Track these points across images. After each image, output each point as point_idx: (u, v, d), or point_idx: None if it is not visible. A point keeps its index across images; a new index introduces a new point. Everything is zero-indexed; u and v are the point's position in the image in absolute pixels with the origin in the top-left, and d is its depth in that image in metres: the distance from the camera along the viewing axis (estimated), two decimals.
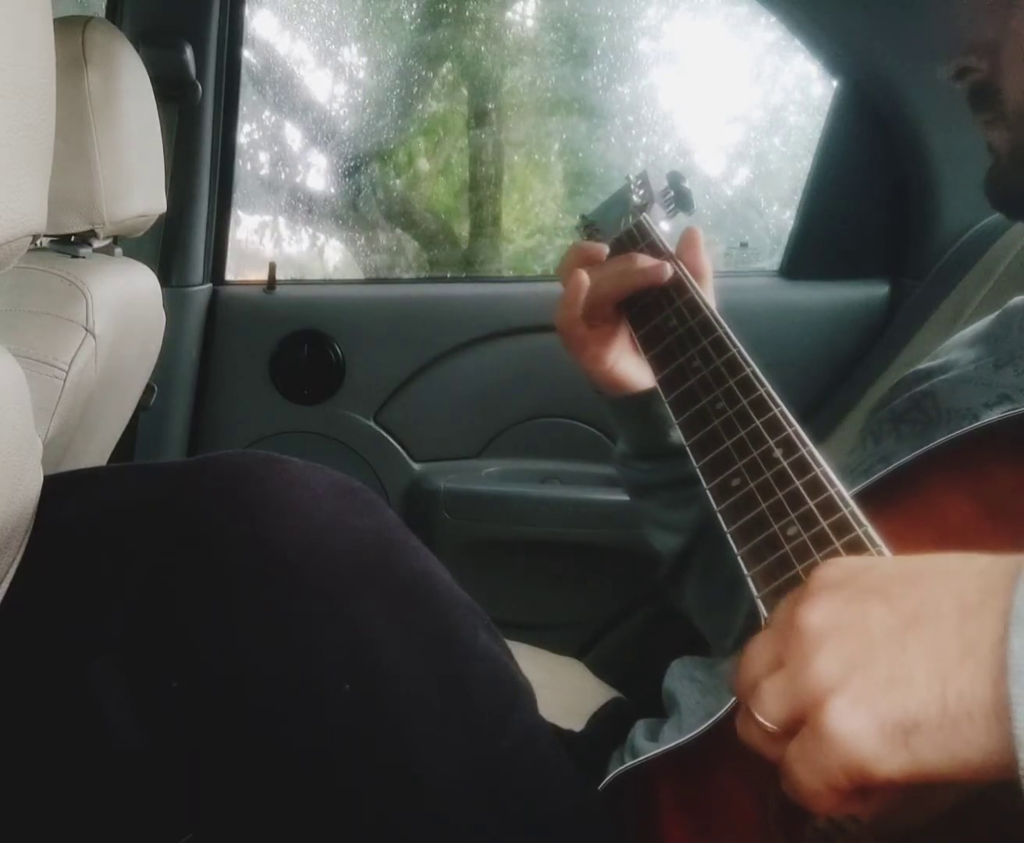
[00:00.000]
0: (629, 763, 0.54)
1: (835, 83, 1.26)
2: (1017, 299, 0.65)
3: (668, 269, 0.66)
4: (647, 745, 0.58)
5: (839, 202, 1.29)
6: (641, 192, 0.77)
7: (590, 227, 0.80)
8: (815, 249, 1.32)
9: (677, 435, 0.60)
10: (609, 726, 0.71)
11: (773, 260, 1.45)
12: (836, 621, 0.34)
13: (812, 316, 1.31)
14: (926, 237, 1.24)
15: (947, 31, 0.58)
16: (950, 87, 0.59)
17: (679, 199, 0.78)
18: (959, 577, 0.34)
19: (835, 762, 0.32)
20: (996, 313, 0.66)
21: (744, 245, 1.65)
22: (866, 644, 0.33)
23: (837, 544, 0.45)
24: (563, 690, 0.87)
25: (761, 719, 0.35)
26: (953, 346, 0.67)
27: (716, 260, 1.69)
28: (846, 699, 0.32)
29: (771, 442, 0.52)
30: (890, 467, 0.51)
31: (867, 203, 1.29)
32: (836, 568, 0.37)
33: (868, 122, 1.24)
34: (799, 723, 0.34)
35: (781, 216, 1.61)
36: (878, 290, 1.29)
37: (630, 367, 0.72)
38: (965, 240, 1.19)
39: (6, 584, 0.47)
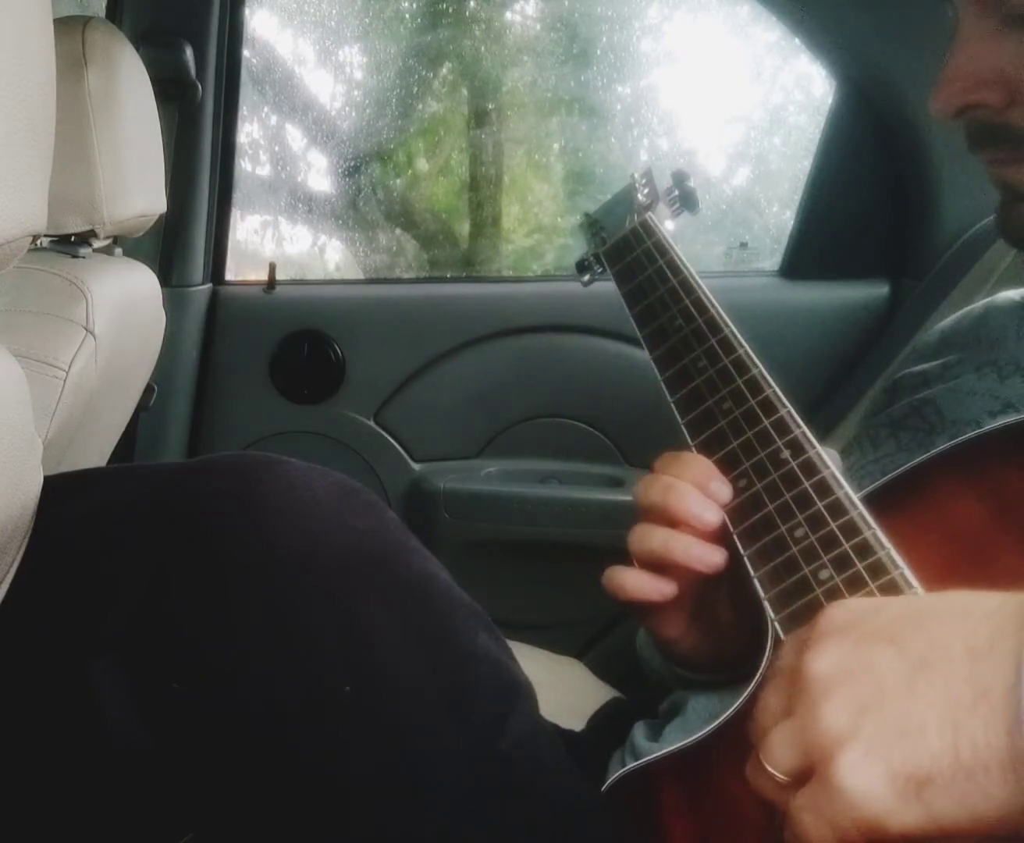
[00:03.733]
0: (633, 764, 0.54)
1: (835, 84, 1.26)
2: (1002, 297, 0.65)
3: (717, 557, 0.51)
4: (648, 745, 0.58)
5: (839, 202, 1.29)
6: (646, 191, 0.77)
7: (594, 225, 0.80)
8: (815, 249, 1.32)
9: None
10: (609, 726, 0.71)
11: (773, 260, 1.45)
12: (844, 667, 0.34)
13: (812, 316, 1.31)
14: (926, 237, 1.24)
15: (942, 60, 0.53)
16: (949, 124, 0.53)
17: (684, 198, 0.78)
18: (968, 618, 0.33)
19: (847, 815, 0.31)
20: (980, 307, 0.66)
21: (744, 245, 1.65)
22: (876, 691, 0.32)
23: (846, 546, 0.44)
24: (563, 690, 0.87)
25: (770, 769, 0.35)
26: (940, 344, 0.67)
27: (716, 260, 1.69)
28: (857, 751, 0.32)
29: (779, 443, 0.51)
30: (895, 472, 0.51)
31: (867, 203, 1.29)
32: (843, 611, 0.36)
33: (868, 123, 1.24)
34: (809, 773, 0.33)
35: (781, 216, 1.61)
36: (878, 290, 1.29)
37: (693, 645, 0.57)
38: (965, 240, 1.19)
39: (6, 584, 0.47)
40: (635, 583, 0.53)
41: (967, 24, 0.52)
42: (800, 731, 0.34)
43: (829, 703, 0.33)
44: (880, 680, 0.33)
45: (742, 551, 0.49)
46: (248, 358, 1.37)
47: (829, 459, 0.50)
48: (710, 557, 0.50)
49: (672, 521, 0.52)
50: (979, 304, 0.66)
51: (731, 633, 0.55)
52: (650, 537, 0.52)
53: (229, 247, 1.42)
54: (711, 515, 0.51)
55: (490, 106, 1.78)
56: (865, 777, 0.31)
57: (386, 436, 1.38)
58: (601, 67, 1.67)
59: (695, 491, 0.51)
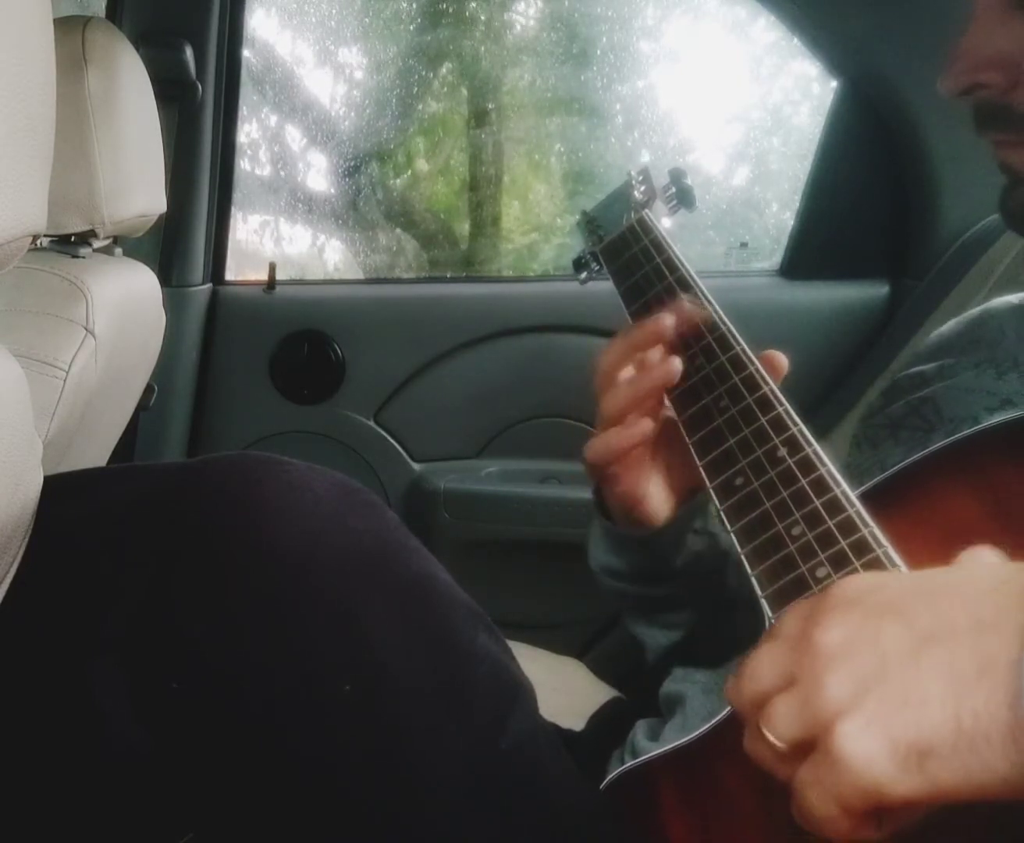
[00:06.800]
0: (631, 763, 0.54)
1: (835, 83, 1.26)
2: (999, 302, 0.65)
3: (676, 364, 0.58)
4: (648, 745, 0.58)
5: (839, 202, 1.29)
6: (643, 188, 0.77)
7: (591, 223, 0.80)
8: (815, 249, 1.32)
9: (682, 559, 0.59)
10: (609, 726, 0.71)
11: (773, 260, 1.45)
12: (850, 639, 0.34)
13: (812, 316, 1.31)
14: (926, 237, 1.24)
15: (951, 40, 0.54)
16: (953, 102, 0.54)
17: (681, 195, 0.78)
18: (975, 592, 0.33)
19: (849, 785, 0.32)
20: (977, 312, 0.66)
21: (744, 245, 1.65)
22: (880, 663, 0.33)
23: (843, 544, 0.44)
24: (563, 690, 0.87)
25: (772, 738, 0.35)
26: (937, 348, 0.67)
27: (716, 260, 1.69)
28: (859, 720, 0.32)
29: (776, 440, 0.51)
30: (892, 470, 0.51)
31: (867, 203, 1.29)
32: (850, 585, 0.36)
33: (868, 122, 1.24)
34: (811, 743, 0.34)
35: (781, 216, 1.61)
36: (878, 290, 1.29)
37: (658, 500, 0.63)
38: (965, 240, 1.19)
39: (6, 584, 0.47)
40: (618, 437, 0.59)
41: (982, 4, 0.52)
42: (803, 701, 0.34)
43: (833, 674, 0.33)
44: (885, 652, 0.33)
45: (739, 549, 0.49)
46: (248, 358, 1.37)
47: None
48: (672, 366, 0.58)
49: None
50: (976, 309, 0.67)
51: (678, 474, 0.63)
52: (617, 388, 0.60)
53: (229, 247, 1.42)
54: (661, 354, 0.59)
55: (490, 106, 1.78)
56: (866, 746, 0.31)
57: (386, 436, 1.38)
58: (601, 67, 1.67)
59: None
